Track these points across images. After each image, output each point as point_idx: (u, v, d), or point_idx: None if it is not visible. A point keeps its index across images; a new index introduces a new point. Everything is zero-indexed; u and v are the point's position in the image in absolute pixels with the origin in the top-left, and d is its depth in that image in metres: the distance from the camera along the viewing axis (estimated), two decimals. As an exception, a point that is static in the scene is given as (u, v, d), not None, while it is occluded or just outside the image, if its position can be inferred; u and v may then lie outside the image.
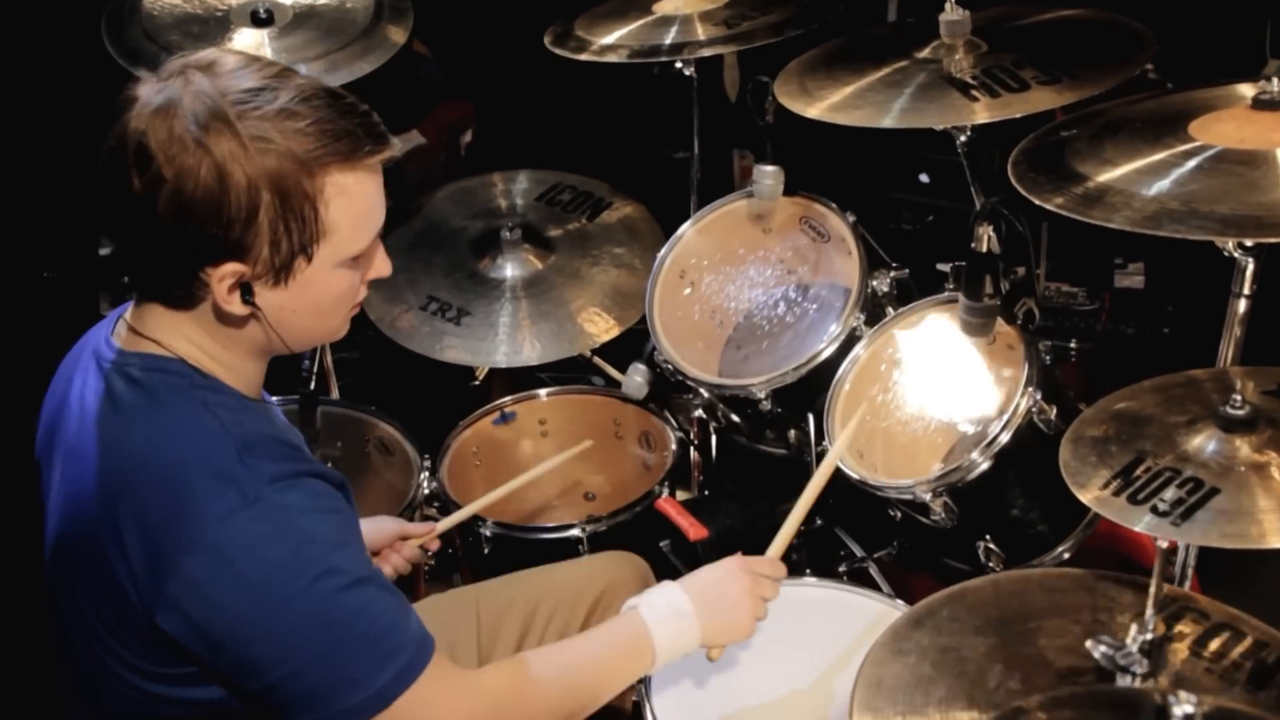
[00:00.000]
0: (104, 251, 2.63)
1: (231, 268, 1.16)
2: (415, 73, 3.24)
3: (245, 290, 1.18)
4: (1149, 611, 0.99)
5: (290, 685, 1.15)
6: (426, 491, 2.15)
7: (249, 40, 2.19)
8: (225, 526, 1.12)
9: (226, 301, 1.18)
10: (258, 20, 2.20)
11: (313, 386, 2.36)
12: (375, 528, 1.76)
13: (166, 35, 2.14)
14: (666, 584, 1.45)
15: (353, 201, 1.19)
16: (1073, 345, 2.76)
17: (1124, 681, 1.01)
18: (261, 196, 1.13)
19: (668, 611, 1.40)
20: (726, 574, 1.47)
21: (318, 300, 1.23)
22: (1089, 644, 1.02)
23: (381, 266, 1.29)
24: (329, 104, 1.17)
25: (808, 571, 2.00)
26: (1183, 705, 0.82)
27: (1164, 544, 1.05)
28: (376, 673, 1.16)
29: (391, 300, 2.40)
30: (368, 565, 1.21)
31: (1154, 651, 0.99)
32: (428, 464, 2.18)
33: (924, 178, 2.98)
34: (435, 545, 1.84)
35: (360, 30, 2.23)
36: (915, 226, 2.99)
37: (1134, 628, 0.99)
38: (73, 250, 2.68)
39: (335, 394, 2.48)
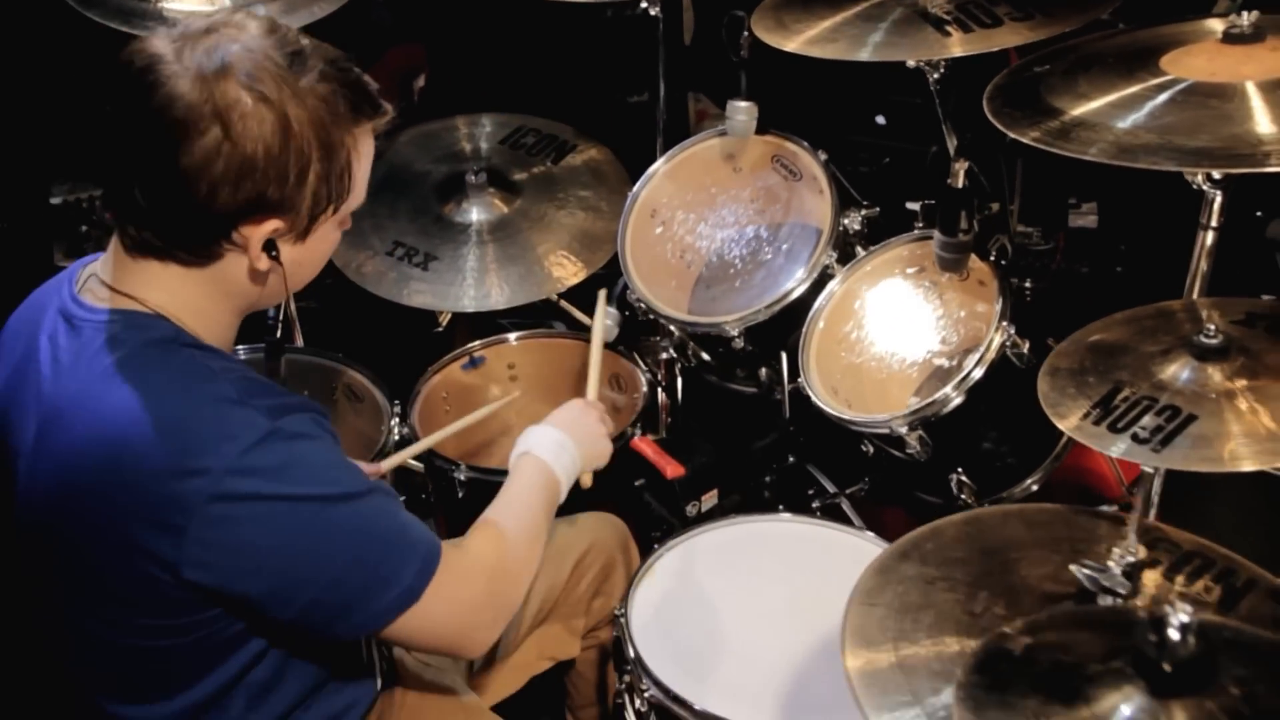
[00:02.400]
0: (55, 200, 2.56)
1: (272, 224, 1.18)
2: (366, 16, 3.16)
3: (271, 246, 1.20)
4: (1131, 535, 1.02)
5: (326, 600, 1.20)
6: (397, 437, 2.14)
7: (203, -21, 2.12)
8: (240, 465, 1.13)
9: (257, 258, 1.19)
10: (212, -42, 2.13)
11: (279, 335, 2.33)
12: None
13: (117, -28, 2.06)
14: (542, 426, 1.62)
15: (365, 160, 1.25)
16: (1028, 284, 2.80)
17: (1106, 603, 1.04)
18: (314, 154, 1.16)
19: (555, 447, 1.57)
20: (581, 410, 1.68)
21: (320, 254, 1.28)
22: (1073, 568, 1.05)
23: (346, 220, 1.32)
24: (347, 68, 1.21)
25: (781, 508, 2.03)
26: (1178, 615, 0.85)
27: (1150, 469, 1.08)
28: (402, 569, 1.24)
29: (357, 246, 2.36)
30: (367, 479, 1.25)
31: (1138, 578, 1.02)
32: (398, 409, 2.16)
33: (881, 120, 2.98)
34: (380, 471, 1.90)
35: (316, -31, 2.17)
36: (872, 168, 2.99)
37: (1116, 551, 1.02)
38: (24, 200, 2.61)
39: (300, 342, 2.44)
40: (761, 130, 2.15)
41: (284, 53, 1.16)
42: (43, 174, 2.60)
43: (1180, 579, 1.22)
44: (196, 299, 1.22)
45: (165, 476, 1.13)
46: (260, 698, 1.29)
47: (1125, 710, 0.88)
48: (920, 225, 2.04)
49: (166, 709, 1.27)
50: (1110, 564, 1.01)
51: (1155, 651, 0.87)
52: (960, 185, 1.76)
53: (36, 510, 1.24)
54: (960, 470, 1.90)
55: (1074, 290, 2.83)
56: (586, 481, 1.66)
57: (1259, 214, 2.59)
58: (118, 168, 1.16)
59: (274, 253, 1.20)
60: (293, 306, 2.41)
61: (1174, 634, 0.86)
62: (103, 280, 1.23)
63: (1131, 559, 1.01)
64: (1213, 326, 1.26)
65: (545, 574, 1.75)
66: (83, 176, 2.59)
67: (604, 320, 1.96)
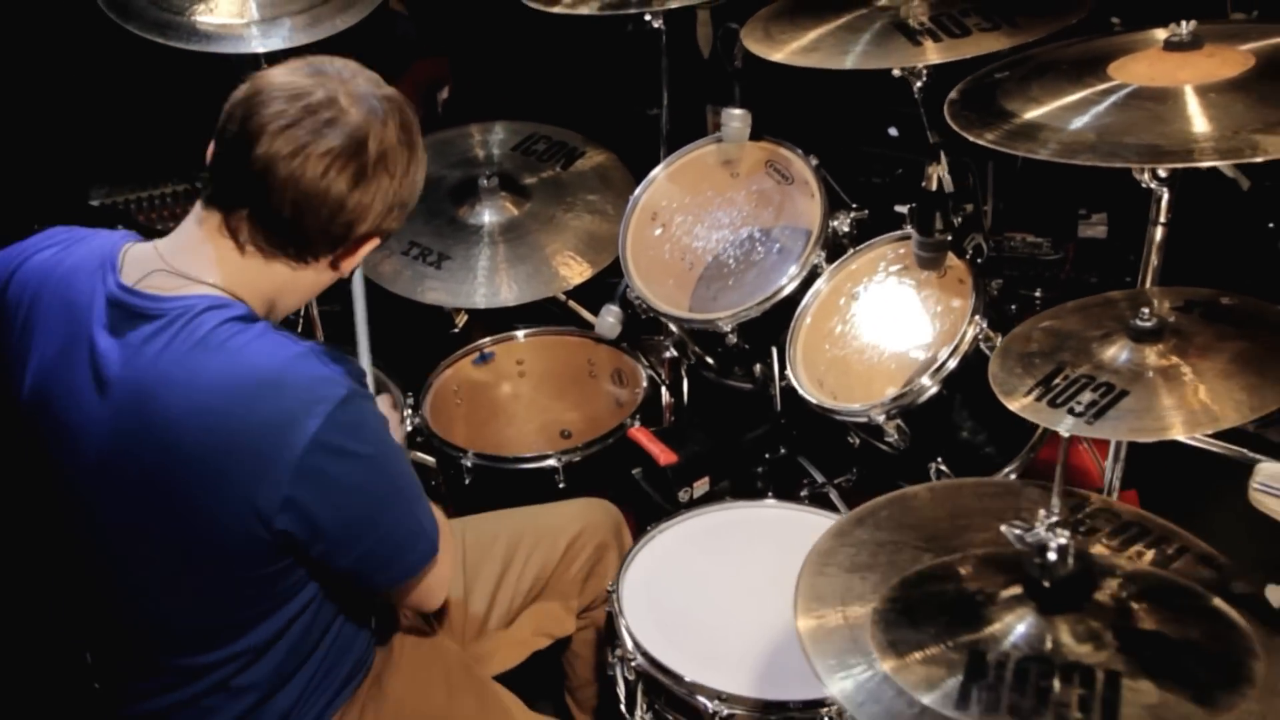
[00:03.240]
0: (94, 203, 2.70)
1: (376, 242, 1.38)
2: (392, 30, 3.29)
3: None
4: (1054, 497, 1.11)
5: (379, 549, 1.38)
6: (409, 428, 2.26)
7: (233, -6, 2.25)
8: (334, 422, 1.27)
9: (345, 271, 1.39)
10: (242, -26, 2.26)
11: (299, 331, 2.46)
12: None
13: (153, -11, 2.20)
14: None
15: None
16: (1038, 294, 2.88)
17: (1049, 539, 1.11)
18: (419, 185, 1.39)
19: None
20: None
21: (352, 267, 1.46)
22: (1003, 528, 1.14)
23: None
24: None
25: (770, 494, 2.13)
26: (1057, 539, 0.95)
27: (1065, 435, 1.18)
28: (428, 523, 1.43)
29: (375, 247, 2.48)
30: None
31: (1061, 530, 1.11)
32: (410, 401, 2.28)
33: (893, 131, 3.06)
34: None
35: (342, -16, 2.29)
36: (884, 179, 3.08)
37: (1043, 512, 1.11)
38: (63, 202, 2.73)
39: (321, 338, 2.57)
40: (756, 136, 2.26)
41: (404, 108, 1.36)
42: (82, 177, 2.72)
43: (1116, 544, 1.30)
44: (270, 292, 1.37)
45: (267, 432, 1.26)
46: (298, 647, 1.42)
47: (1019, 628, 0.98)
48: (906, 226, 2.13)
49: (222, 654, 1.38)
50: (1036, 524, 1.10)
51: (1039, 572, 0.97)
52: (935, 188, 1.86)
53: (125, 483, 1.32)
54: (940, 459, 1.99)
55: (1084, 300, 2.90)
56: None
57: (1271, 225, 2.66)
58: (271, 186, 1.29)
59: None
60: (315, 309, 2.58)
61: (1052, 555, 0.96)
62: (174, 269, 1.34)
63: (1055, 519, 1.10)
64: (1147, 310, 1.35)
65: (538, 554, 1.85)
66: (120, 179, 2.72)
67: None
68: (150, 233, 1.50)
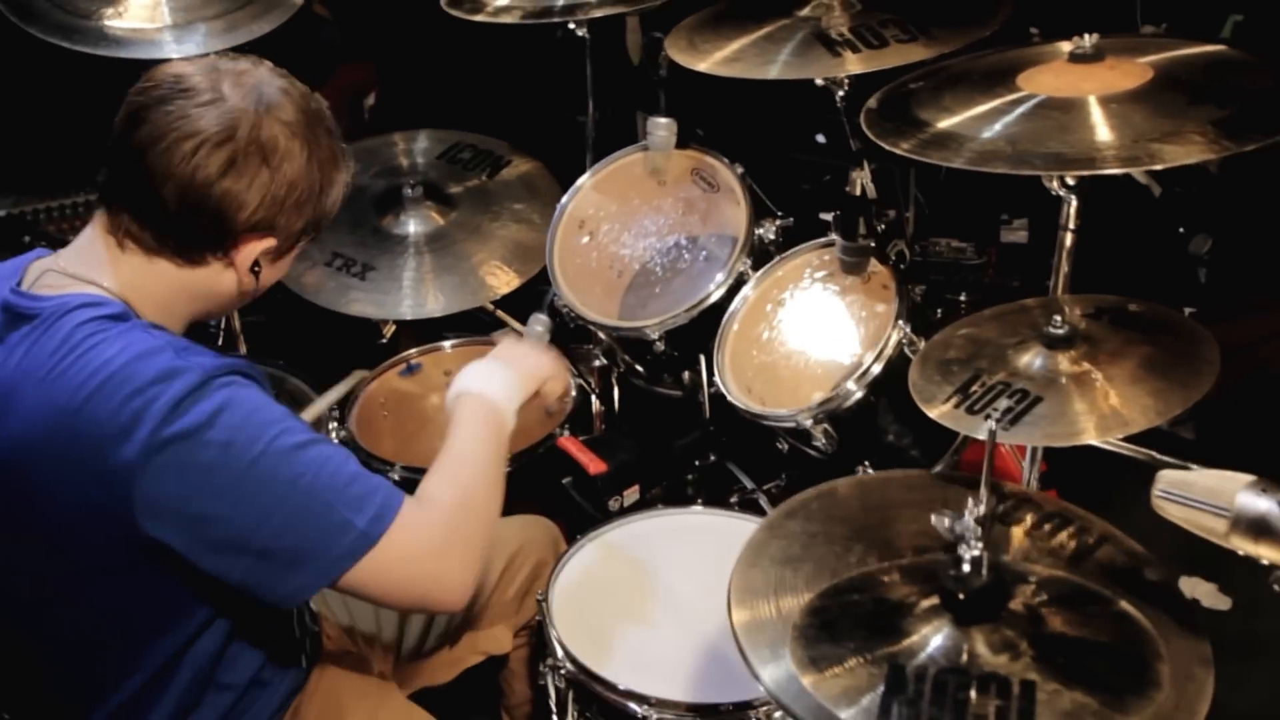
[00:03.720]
0: (0, 213, 2.62)
1: (267, 243, 1.31)
2: (316, 36, 3.25)
3: (255, 265, 1.33)
4: (982, 489, 1.13)
5: (277, 546, 1.22)
6: (336, 441, 2.22)
7: (146, -1, 2.20)
8: (179, 412, 1.20)
9: (242, 271, 1.32)
10: (155, -22, 2.21)
11: (220, 344, 2.41)
12: None
13: (62, -10, 2.14)
14: (470, 364, 1.55)
15: (339, 202, 1.39)
16: (962, 298, 2.94)
17: (962, 551, 1.14)
18: (318, 190, 1.32)
19: (485, 375, 1.52)
20: (507, 342, 1.64)
21: (281, 274, 1.41)
22: (933, 518, 1.16)
23: None
24: (334, 123, 1.38)
25: (699, 502, 2.13)
26: (970, 550, 0.97)
27: (992, 430, 1.20)
28: (355, 514, 1.24)
29: (298, 257, 2.42)
30: (309, 430, 1.29)
31: (989, 525, 1.13)
32: (336, 414, 2.25)
33: (820, 138, 3.10)
34: None
35: (260, -11, 2.26)
36: (812, 185, 3.11)
37: (970, 501, 1.13)
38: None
39: (243, 350, 2.52)
40: (682, 145, 2.27)
41: (302, 100, 1.32)
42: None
43: (1039, 534, 1.34)
44: (162, 295, 1.31)
45: (113, 428, 1.19)
46: (207, 671, 1.36)
47: (935, 640, 0.99)
48: (832, 233, 2.15)
49: (117, 685, 1.33)
50: (965, 514, 1.13)
51: (954, 584, 0.99)
52: (858, 193, 1.89)
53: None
54: (867, 463, 2.01)
55: (1006, 303, 2.96)
56: (553, 400, 1.62)
57: (1181, 230, 2.75)
58: (144, 174, 1.25)
59: (256, 269, 1.33)
60: (236, 320, 2.52)
61: (966, 567, 0.98)
62: (64, 271, 1.31)
63: (982, 510, 1.12)
64: (1059, 318, 1.38)
65: None
66: (27, 189, 2.65)
67: None
68: (59, 243, 1.47)
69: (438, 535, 1.31)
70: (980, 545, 0.99)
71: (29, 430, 1.24)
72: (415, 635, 1.79)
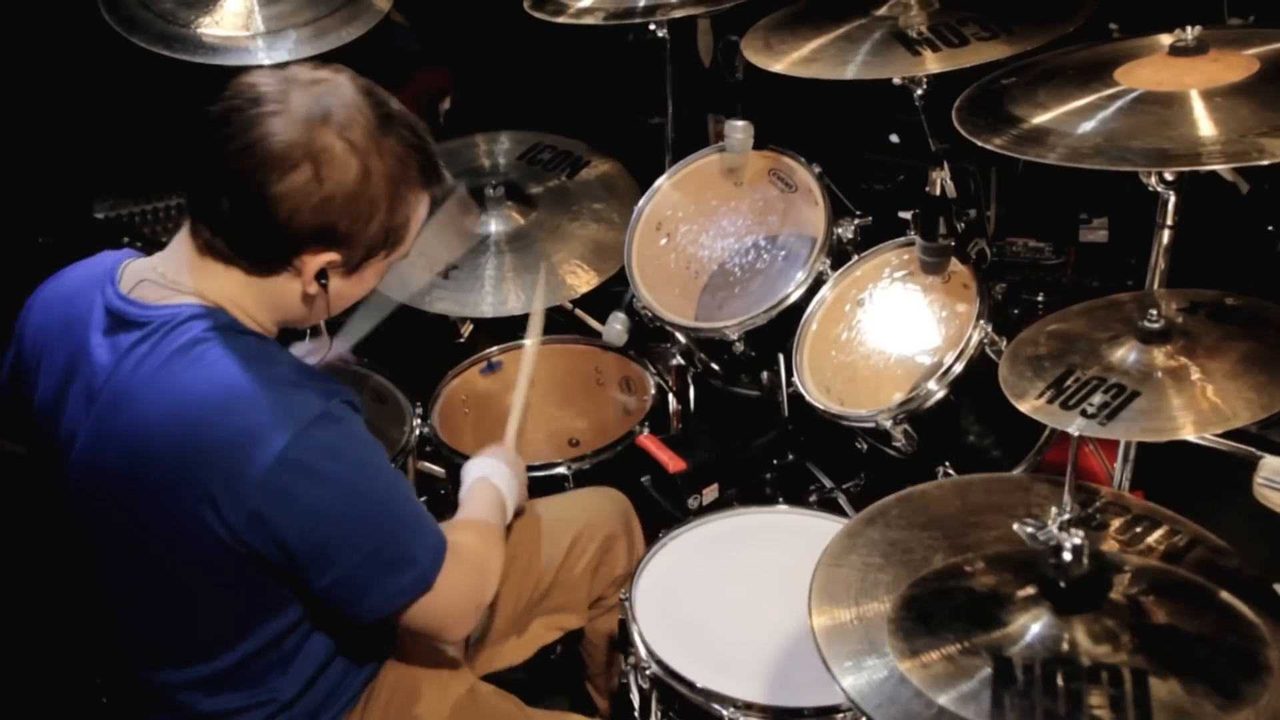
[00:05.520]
0: (99, 215, 2.71)
1: (329, 256, 1.32)
2: (393, 41, 3.31)
3: (321, 274, 1.34)
4: (1066, 494, 1.12)
5: (358, 573, 1.32)
6: (418, 435, 2.26)
7: (239, 6, 2.25)
8: (304, 437, 1.26)
9: (309, 283, 1.34)
10: (247, -13, 2.28)
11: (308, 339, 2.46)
12: None
13: (160, 3, 2.20)
14: (489, 459, 1.79)
15: (419, 219, 1.40)
16: (1040, 298, 2.90)
17: (1063, 539, 1.12)
18: (383, 204, 1.32)
19: (506, 480, 1.75)
20: (514, 454, 1.85)
21: (362, 290, 1.42)
22: (1016, 526, 1.15)
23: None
24: (422, 132, 1.38)
25: (780, 500, 2.13)
26: (1071, 539, 0.96)
27: (1075, 433, 1.19)
28: (420, 552, 1.37)
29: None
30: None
31: (1075, 530, 1.12)
32: (419, 410, 2.29)
33: (894, 138, 3.08)
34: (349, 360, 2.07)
35: (345, -3, 2.32)
36: (886, 185, 3.10)
37: (1054, 509, 1.12)
38: (67, 215, 2.74)
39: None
40: (759, 145, 2.28)
41: (377, 113, 1.32)
42: (86, 189, 2.73)
43: (1127, 538, 1.32)
44: (248, 303, 1.36)
45: (234, 444, 1.26)
46: (286, 664, 1.41)
47: (1034, 628, 0.99)
48: (911, 232, 2.14)
49: (204, 670, 1.39)
50: (1049, 521, 1.12)
51: (1054, 573, 0.98)
52: (938, 193, 1.88)
53: (102, 486, 1.35)
54: (947, 463, 2.00)
55: (1086, 304, 2.92)
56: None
57: (1271, 228, 2.68)
58: (212, 180, 1.30)
59: (324, 280, 1.35)
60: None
61: (1067, 555, 0.97)
62: (163, 278, 1.36)
63: (1067, 515, 1.11)
64: (1154, 312, 1.36)
65: (543, 552, 1.85)
66: (125, 192, 2.73)
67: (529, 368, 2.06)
68: (155, 245, 1.53)
69: (473, 582, 1.49)
70: (1080, 533, 0.98)
71: (149, 435, 1.29)
72: (486, 613, 1.79)
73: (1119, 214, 2.88)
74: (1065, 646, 0.98)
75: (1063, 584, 0.99)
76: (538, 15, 2.32)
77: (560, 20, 2.30)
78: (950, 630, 1.02)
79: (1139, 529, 1.31)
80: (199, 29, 2.20)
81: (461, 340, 2.64)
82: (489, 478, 1.72)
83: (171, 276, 1.36)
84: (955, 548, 1.27)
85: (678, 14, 2.25)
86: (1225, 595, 1.03)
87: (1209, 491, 1.98)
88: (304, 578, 1.32)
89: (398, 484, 1.38)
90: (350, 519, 1.31)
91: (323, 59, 2.33)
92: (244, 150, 1.27)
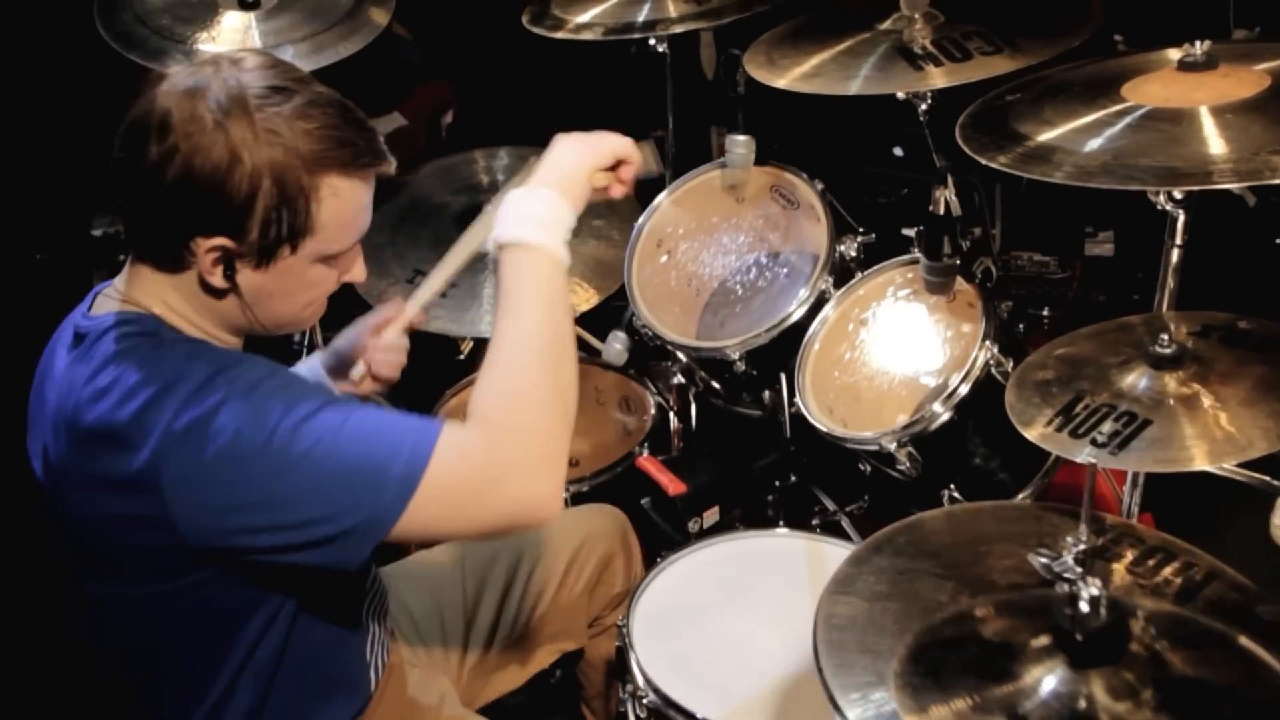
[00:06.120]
0: (97, 232, 2.69)
1: (219, 241, 1.24)
2: (395, 55, 3.29)
3: (228, 265, 1.26)
4: (1081, 525, 1.08)
5: (321, 516, 1.18)
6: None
7: (236, 23, 2.24)
8: (187, 407, 1.18)
9: (209, 273, 1.26)
10: (244, 4, 2.25)
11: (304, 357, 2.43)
12: (343, 340, 1.72)
13: (157, 19, 2.20)
14: (508, 196, 1.38)
15: (343, 205, 1.28)
16: (1045, 313, 2.87)
17: (1079, 589, 1.08)
18: (263, 183, 1.22)
19: (522, 214, 1.34)
20: (550, 149, 1.43)
21: (292, 288, 1.31)
22: (1030, 557, 1.11)
23: (357, 272, 1.37)
24: (339, 113, 1.27)
25: (781, 523, 2.10)
26: (1088, 589, 0.91)
27: (1092, 462, 1.15)
28: (389, 463, 1.18)
29: (378, 274, 2.47)
30: (329, 395, 1.24)
31: (1090, 564, 1.08)
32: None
33: (898, 151, 3.06)
34: (422, 322, 1.71)
35: (344, 13, 2.29)
36: (890, 199, 3.07)
37: (1069, 539, 1.08)
38: (65, 232, 2.73)
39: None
40: (760, 161, 2.25)
41: (264, 86, 1.23)
42: (84, 206, 2.71)
43: (1142, 571, 1.27)
44: (187, 309, 1.30)
45: (124, 437, 1.19)
46: (267, 686, 1.35)
47: (1049, 683, 0.93)
48: (914, 250, 2.11)
49: (180, 705, 1.34)
50: (1064, 553, 1.07)
51: (1070, 624, 0.93)
52: (943, 211, 1.84)
53: (49, 501, 1.32)
54: (952, 486, 1.96)
55: (1091, 319, 2.88)
56: (609, 186, 1.45)
57: (1278, 241, 2.64)
58: (111, 168, 1.26)
59: (230, 272, 1.26)
60: (319, 335, 2.55)
61: (1084, 606, 0.92)
62: (115, 290, 1.34)
63: (1083, 547, 1.07)
64: (1166, 337, 1.32)
65: (540, 571, 1.81)
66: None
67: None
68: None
69: (494, 450, 1.21)
70: (1098, 583, 0.94)
71: (48, 447, 1.27)
72: (482, 639, 1.77)
73: (1125, 228, 2.85)
74: (1083, 703, 0.93)
75: (1079, 637, 0.94)
76: (536, 31, 2.29)
77: (559, 36, 2.27)
78: (961, 684, 0.97)
79: (1153, 562, 1.26)
80: (195, 45, 2.19)
81: (461, 358, 2.61)
82: (513, 242, 1.33)
83: (118, 286, 1.34)
84: (965, 579, 1.23)
85: (677, 29, 2.23)
86: (1246, 641, 0.98)
87: (1220, 512, 1.94)
88: (267, 550, 1.20)
89: (327, 409, 1.20)
90: (274, 466, 1.17)
91: (322, 74, 2.32)
92: (127, 127, 1.24)
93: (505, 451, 1.21)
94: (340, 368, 1.69)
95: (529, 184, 1.37)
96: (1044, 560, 1.09)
